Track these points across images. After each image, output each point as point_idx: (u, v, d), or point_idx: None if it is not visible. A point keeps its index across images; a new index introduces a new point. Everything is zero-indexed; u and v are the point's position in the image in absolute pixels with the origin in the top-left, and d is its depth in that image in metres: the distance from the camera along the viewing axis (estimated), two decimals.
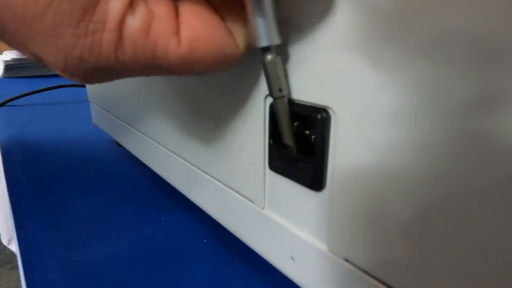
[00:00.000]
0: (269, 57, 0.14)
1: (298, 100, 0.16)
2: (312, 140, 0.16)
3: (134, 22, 0.12)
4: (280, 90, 0.15)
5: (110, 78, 0.13)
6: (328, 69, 0.14)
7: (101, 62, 0.12)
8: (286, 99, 0.15)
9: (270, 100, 0.17)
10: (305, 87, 0.15)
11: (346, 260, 0.15)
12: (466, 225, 0.11)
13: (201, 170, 0.25)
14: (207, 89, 0.22)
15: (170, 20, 0.13)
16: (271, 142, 0.18)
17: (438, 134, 0.11)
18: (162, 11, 0.12)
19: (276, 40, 0.14)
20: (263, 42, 0.14)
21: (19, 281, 0.33)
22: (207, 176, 0.24)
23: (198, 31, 0.13)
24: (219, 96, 0.21)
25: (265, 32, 0.14)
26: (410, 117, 0.11)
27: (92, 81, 0.13)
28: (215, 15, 0.14)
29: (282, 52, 0.16)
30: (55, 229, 0.32)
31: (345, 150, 0.14)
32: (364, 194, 0.14)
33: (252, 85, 0.18)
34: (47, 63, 0.12)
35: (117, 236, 0.31)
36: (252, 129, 0.19)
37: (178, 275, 0.26)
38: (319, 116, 0.15)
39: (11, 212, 0.34)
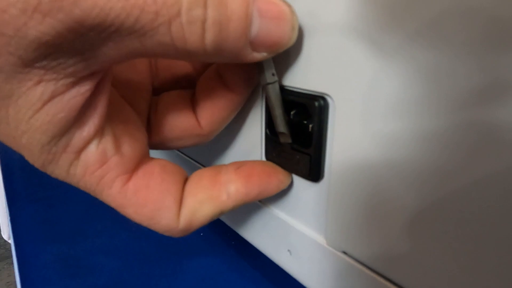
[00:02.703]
0: None
1: (294, 88, 0.15)
2: (310, 129, 0.15)
3: (94, 151, 0.13)
4: (273, 74, 0.15)
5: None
6: (326, 54, 0.13)
7: (56, 171, 0.13)
8: (278, 84, 0.15)
9: None
10: (301, 74, 0.15)
11: (344, 252, 0.15)
12: (467, 219, 0.10)
13: (196, 161, 0.25)
14: None
15: (130, 161, 0.14)
16: (268, 132, 0.17)
17: (442, 124, 0.10)
18: (126, 151, 0.14)
19: None
20: None
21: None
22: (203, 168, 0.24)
23: (146, 184, 0.15)
24: None
25: None
26: (414, 106, 0.11)
27: (59, 179, 0.14)
28: (168, 181, 0.15)
29: None
30: (50, 223, 0.31)
31: (344, 139, 0.14)
32: (363, 185, 0.13)
33: None
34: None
35: (113, 230, 0.30)
36: (249, 119, 0.18)
37: (174, 269, 0.26)
38: (316, 103, 0.14)
39: (6, 206, 0.34)
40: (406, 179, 0.12)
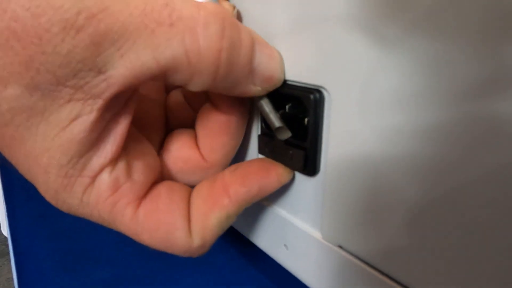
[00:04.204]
0: None
1: (289, 81, 0.15)
2: (305, 122, 0.15)
3: (107, 178, 0.13)
4: None
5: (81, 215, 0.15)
6: (322, 46, 0.13)
7: (69, 200, 0.13)
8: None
9: None
10: (296, 66, 0.14)
11: (340, 247, 0.15)
12: (466, 214, 0.10)
13: None
14: None
15: (141, 188, 0.14)
16: (263, 125, 0.17)
17: (441, 118, 0.10)
18: (138, 178, 0.14)
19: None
20: None
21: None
22: None
23: (160, 208, 0.15)
24: None
25: None
26: (412, 99, 0.11)
27: (69, 212, 0.14)
28: (176, 200, 0.15)
29: (272, 30, 0.15)
30: (48, 218, 0.31)
31: (340, 133, 0.13)
32: (359, 179, 0.13)
33: None
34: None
35: None
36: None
37: (171, 263, 0.26)
38: (312, 97, 0.14)
39: (4, 201, 0.34)
40: (403, 173, 0.12)
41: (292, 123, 0.15)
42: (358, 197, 0.13)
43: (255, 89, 0.14)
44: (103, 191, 0.13)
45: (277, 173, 0.16)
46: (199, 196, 0.16)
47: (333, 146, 0.14)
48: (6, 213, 0.31)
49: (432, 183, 0.11)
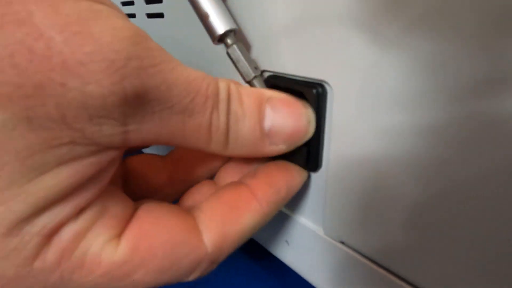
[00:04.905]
0: (231, 41, 0.15)
1: (291, 75, 0.15)
2: None
3: (74, 226, 0.10)
4: (256, 68, 0.15)
5: None
6: (325, 40, 0.13)
7: (9, 270, 0.10)
8: (262, 76, 0.15)
9: (264, 76, 0.16)
10: (299, 60, 0.14)
11: (342, 242, 0.15)
12: (466, 212, 0.10)
13: None
14: (197, 68, 0.21)
15: (118, 221, 0.11)
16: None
17: (442, 116, 0.10)
18: (114, 210, 0.11)
19: (233, 25, 0.15)
20: (221, 30, 0.14)
21: None
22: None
23: (146, 229, 0.12)
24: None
25: (220, 20, 0.14)
26: (414, 96, 0.11)
27: None
28: (179, 212, 0.13)
29: (274, 23, 0.15)
30: None
31: (342, 128, 0.13)
32: (362, 175, 0.13)
33: None
34: None
35: None
36: None
37: None
38: (314, 91, 0.14)
39: None
40: (404, 169, 0.11)
41: None
42: (360, 193, 0.13)
43: (278, 148, 0.13)
44: (66, 246, 0.10)
45: (297, 171, 0.15)
46: (211, 206, 0.13)
47: (336, 142, 0.14)
48: None
49: (433, 180, 0.11)
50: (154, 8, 0.24)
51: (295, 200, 0.17)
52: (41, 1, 0.09)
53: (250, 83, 0.15)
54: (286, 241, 0.18)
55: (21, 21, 0.08)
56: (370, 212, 0.13)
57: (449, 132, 0.10)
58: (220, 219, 0.13)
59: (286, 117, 0.13)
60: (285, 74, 0.15)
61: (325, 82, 0.14)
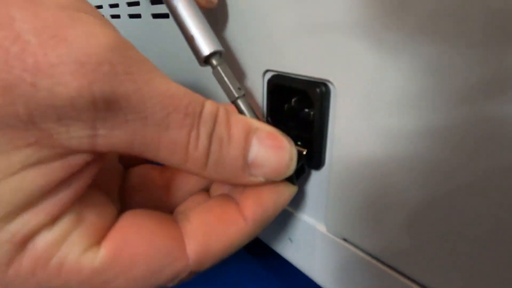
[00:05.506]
0: (216, 62, 0.15)
1: (295, 75, 0.15)
2: (311, 117, 0.15)
3: (48, 234, 0.10)
4: (239, 88, 0.15)
5: None
6: (329, 41, 0.13)
7: None
8: (246, 97, 0.15)
9: (268, 75, 0.16)
10: (303, 60, 0.14)
11: (344, 239, 0.15)
12: (469, 212, 0.10)
13: None
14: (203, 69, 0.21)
15: (97, 230, 0.11)
16: (269, 120, 0.17)
17: (445, 118, 0.10)
18: (91, 221, 0.11)
19: (219, 47, 0.15)
20: (206, 51, 0.15)
21: None
22: None
23: (127, 237, 0.12)
24: None
25: (205, 43, 0.15)
26: (417, 98, 0.11)
27: None
28: (165, 221, 0.13)
29: (280, 24, 0.15)
30: None
31: (345, 127, 0.14)
32: (364, 173, 0.13)
33: (250, 60, 0.17)
34: None
35: None
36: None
37: None
38: (318, 90, 0.14)
39: None
40: (406, 169, 0.12)
41: (297, 117, 0.15)
42: (363, 191, 0.14)
43: (257, 180, 0.13)
44: (41, 254, 0.10)
45: (286, 187, 0.15)
46: (198, 217, 0.14)
47: (338, 140, 0.14)
48: None
49: (435, 180, 0.11)
50: (159, 8, 0.24)
51: (298, 197, 0.17)
52: (25, 8, 0.09)
53: (234, 103, 0.15)
54: (289, 239, 0.18)
55: (2, 25, 0.09)
56: (372, 209, 0.13)
57: (452, 134, 0.10)
58: (205, 231, 0.13)
59: (270, 152, 0.13)
60: (289, 73, 0.15)
61: (329, 81, 0.14)
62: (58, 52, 0.09)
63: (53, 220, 0.11)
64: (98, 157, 0.11)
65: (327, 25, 0.13)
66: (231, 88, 0.15)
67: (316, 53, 0.14)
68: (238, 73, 0.18)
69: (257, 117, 0.15)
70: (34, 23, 0.09)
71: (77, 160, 0.10)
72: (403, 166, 0.12)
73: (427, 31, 0.10)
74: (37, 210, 0.10)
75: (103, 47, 0.10)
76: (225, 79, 0.15)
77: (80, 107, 0.09)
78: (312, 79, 0.14)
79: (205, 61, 0.15)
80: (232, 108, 0.14)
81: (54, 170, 0.10)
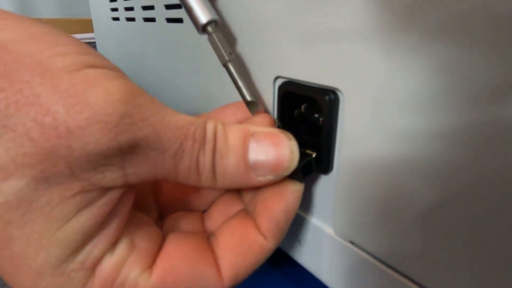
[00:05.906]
0: (211, 30, 0.17)
1: (305, 82, 0.15)
2: (320, 122, 0.15)
3: (110, 259, 0.12)
4: (230, 53, 0.16)
5: None
6: (338, 49, 0.14)
7: None
8: (236, 60, 0.17)
9: (279, 82, 0.17)
10: (313, 68, 0.15)
11: (352, 242, 0.15)
12: (480, 216, 0.10)
13: None
14: (216, 73, 0.22)
15: (148, 254, 0.13)
16: (280, 125, 0.18)
17: (455, 122, 0.10)
18: (143, 246, 0.13)
19: (214, 16, 0.17)
20: (203, 20, 0.17)
21: None
22: None
23: (173, 263, 0.14)
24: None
25: (203, 12, 0.17)
26: (426, 103, 0.11)
27: None
28: (202, 246, 0.14)
29: (290, 32, 0.15)
30: None
31: (353, 133, 0.14)
32: (372, 178, 0.14)
33: (261, 67, 0.18)
34: None
35: None
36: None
37: None
38: (327, 97, 0.14)
39: None
40: (415, 174, 0.12)
41: (307, 122, 0.16)
42: (370, 195, 0.14)
43: (266, 179, 0.14)
44: (108, 276, 0.12)
45: (291, 192, 0.15)
46: (224, 239, 0.15)
47: (347, 146, 0.14)
48: None
49: (444, 185, 0.11)
50: (174, 13, 0.25)
51: (307, 201, 0.18)
52: (44, 83, 0.11)
53: (225, 67, 0.17)
54: (298, 241, 0.19)
55: (31, 103, 0.10)
56: (380, 214, 0.14)
57: (463, 137, 0.10)
58: (233, 254, 0.14)
59: (268, 149, 0.14)
60: (299, 80, 0.16)
61: (337, 89, 0.14)
62: (84, 116, 0.11)
63: (112, 245, 0.13)
64: (132, 186, 0.13)
65: (336, 33, 0.13)
66: (223, 52, 0.16)
67: (325, 62, 0.14)
68: (249, 79, 0.19)
69: (244, 81, 0.16)
70: (57, 95, 0.11)
71: (116, 194, 0.12)
72: (410, 170, 0.12)
73: (440, 35, 0.10)
74: (96, 240, 0.12)
75: (120, 102, 0.11)
76: (218, 44, 0.17)
77: (110, 156, 0.11)
78: (321, 87, 0.15)
79: (203, 30, 0.17)
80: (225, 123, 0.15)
81: (101, 206, 0.12)
